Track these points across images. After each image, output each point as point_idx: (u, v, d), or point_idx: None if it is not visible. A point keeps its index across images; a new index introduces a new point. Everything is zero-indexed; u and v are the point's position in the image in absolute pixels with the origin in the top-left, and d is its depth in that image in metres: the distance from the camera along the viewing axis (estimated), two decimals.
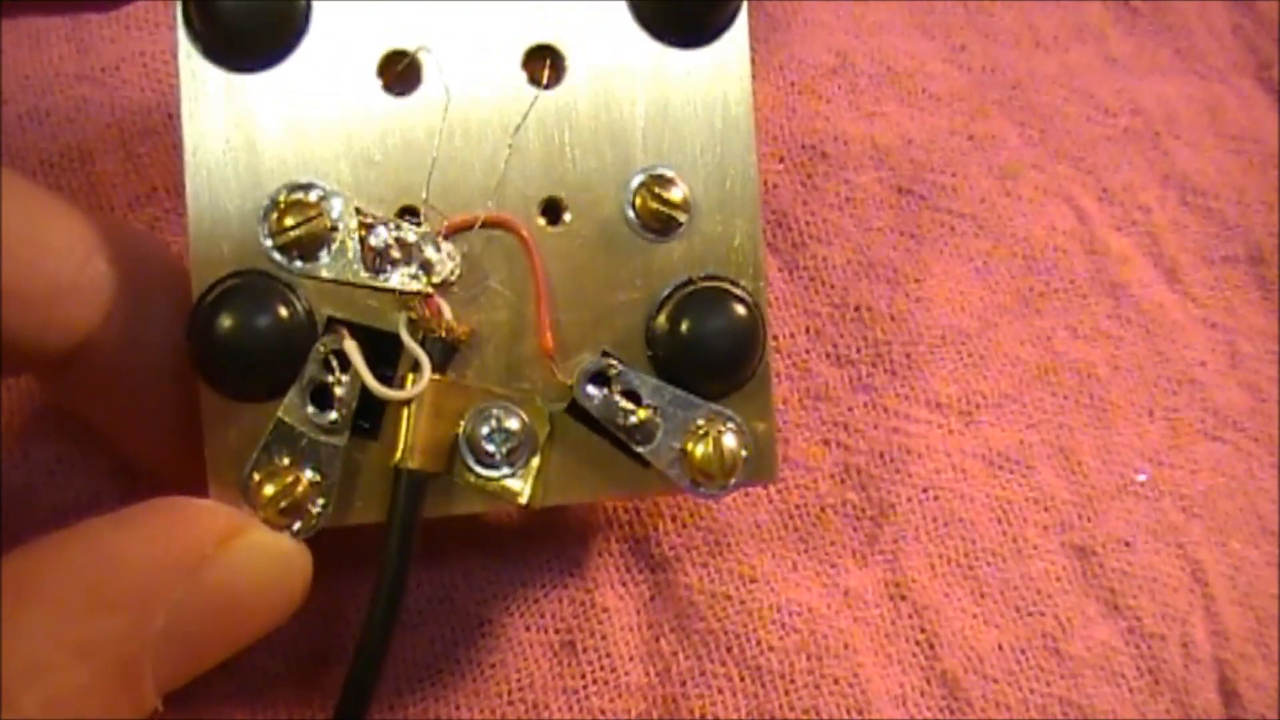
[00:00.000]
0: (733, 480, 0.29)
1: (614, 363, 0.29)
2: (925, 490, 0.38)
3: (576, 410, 0.29)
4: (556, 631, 0.35)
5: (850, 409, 0.38)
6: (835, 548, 0.37)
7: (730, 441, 0.29)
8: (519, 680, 0.35)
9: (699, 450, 0.29)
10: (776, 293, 0.39)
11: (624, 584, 0.36)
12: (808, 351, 0.39)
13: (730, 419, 0.29)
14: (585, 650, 0.35)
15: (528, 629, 0.35)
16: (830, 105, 0.41)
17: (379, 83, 0.29)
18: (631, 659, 0.35)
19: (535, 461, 0.29)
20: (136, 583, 0.25)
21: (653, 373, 0.29)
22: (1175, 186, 0.44)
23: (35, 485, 0.35)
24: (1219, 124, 0.45)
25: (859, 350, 0.39)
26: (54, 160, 0.38)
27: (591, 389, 0.29)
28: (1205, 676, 0.37)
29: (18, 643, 0.24)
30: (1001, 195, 0.42)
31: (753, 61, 0.30)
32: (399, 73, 0.29)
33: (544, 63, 0.30)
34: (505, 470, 0.29)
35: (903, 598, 0.37)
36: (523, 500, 0.29)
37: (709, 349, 0.29)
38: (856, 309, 0.39)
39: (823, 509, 0.37)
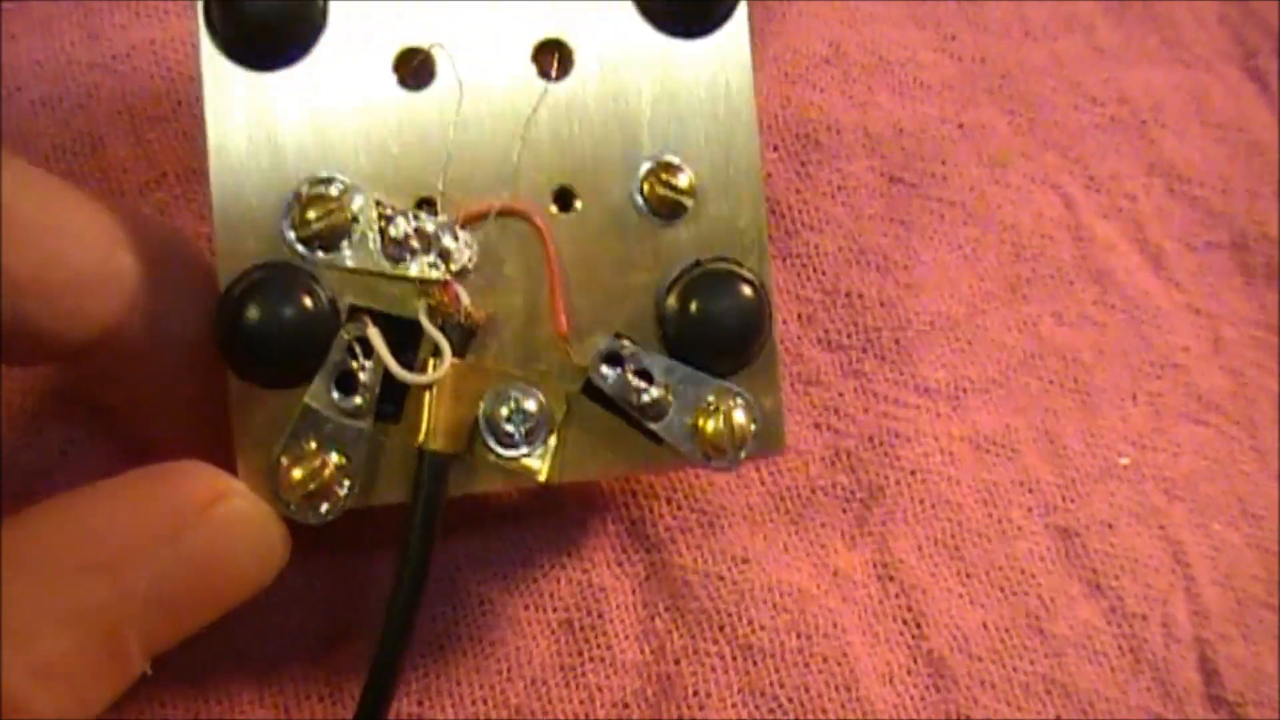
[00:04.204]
0: (743, 453, 0.30)
1: (627, 343, 0.30)
2: (913, 473, 0.39)
3: (591, 390, 0.30)
4: (555, 610, 0.36)
5: (841, 394, 0.39)
6: (825, 529, 0.38)
7: (740, 416, 0.30)
8: (518, 657, 0.35)
9: (710, 425, 0.30)
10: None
11: (620, 564, 0.37)
12: (799, 337, 0.39)
13: (739, 394, 0.30)
14: (582, 628, 0.36)
15: (527, 608, 0.36)
16: (824, 95, 0.42)
17: (394, 78, 0.30)
18: (627, 637, 0.36)
19: (552, 440, 0.30)
20: (118, 550, 0.26)
21: (663, 351, 0.30)
22: (1161, 174, 0.45)
23: (46, 468, 0.35)
24: (1205, 112, 0.46)
25: (849, 336, 0.40)
26: (66, 146, 0.38)
27: (606, 369, 0.30)
28: (1185, 656, 0.38)
29: (5, 611, 0.24)
30: (990, 184, 0.42)
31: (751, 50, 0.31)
32: (414, 68, 0.30)
33: (553, 56, 0.30)
34: (524, 449, 0.29)
35: (890, 578, 0.38)
36: (541, 478, 0.30)
37: (718, 328, 0.30)
38: (847, 295, 0.40)
39: (813, 491, 0.38)
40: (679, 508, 0.37)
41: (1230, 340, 0.43)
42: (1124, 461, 0.40)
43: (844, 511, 0.38)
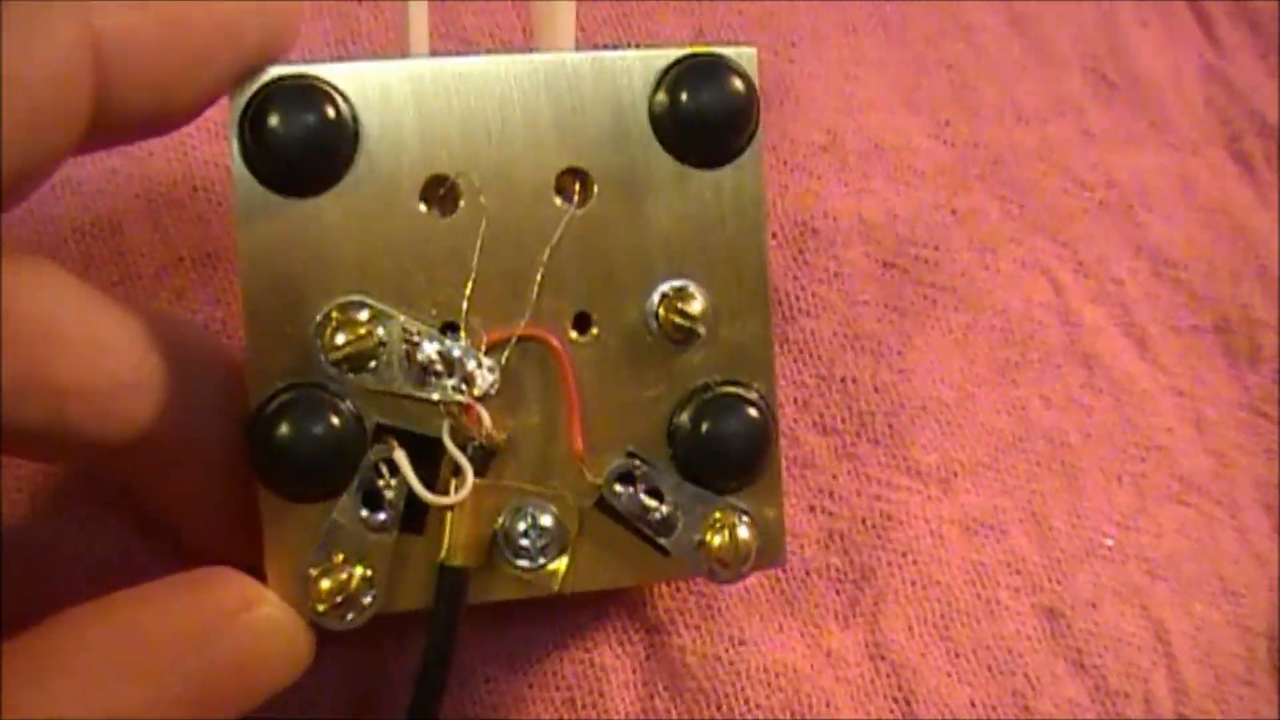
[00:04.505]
0: (746, 566, 0.32)
1: (638, 463, 0.32)
2: (904, 555, 0.40)
3: (604, 505, 0.32)
4: (558, 689, 0.37)
5: (834, 477, 0.40)
6: (819, 610, 0.39)
7: (744, 533, 0.32)
8: None
9: (716, 541, 0.31)
10: None
11: (621, 645, 0.38)
12: (795, 421, 0.41)
13: (744, 512, 0.32)
14: (584, 707, 0.37)
15: (531, 686, 0.37)
16: (821, 182, 0.43)
17: (421, 204, 0.31)
18: (627, 715, 0.37)
19: (566, 553, 0.32)
20: (155, 654, 0.27)
21: (673, 466, 0.32)
22: (1148, 258, 0.46)
23: (64, 544, 0.36)
24: (1190, 195, 0.47)
25: (843, 420, 0.41)
26: (86, 230, 0.39)
27: (619, 487, 0.32)
28: None
29: (48, 710, 0.26)
30: (981, 269, 0.43)
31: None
32: (440, 196, 0.31)
33: (574, 183, 0.32)
34: (539, 561, 0.31)
35: (882, 658, 0.39)
36: (555, 588, 0.32)
37: (726, 451, 0.32)
38: (842, 380, 0.41)
39: (808, 573, 0.39)
40: (678, 590, 0.38)
41: (1213, 422, 0.44)
42: (1108, 542, 0.41)
43: (837, 593, 0.39)
